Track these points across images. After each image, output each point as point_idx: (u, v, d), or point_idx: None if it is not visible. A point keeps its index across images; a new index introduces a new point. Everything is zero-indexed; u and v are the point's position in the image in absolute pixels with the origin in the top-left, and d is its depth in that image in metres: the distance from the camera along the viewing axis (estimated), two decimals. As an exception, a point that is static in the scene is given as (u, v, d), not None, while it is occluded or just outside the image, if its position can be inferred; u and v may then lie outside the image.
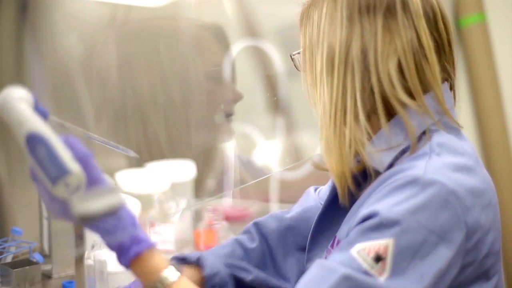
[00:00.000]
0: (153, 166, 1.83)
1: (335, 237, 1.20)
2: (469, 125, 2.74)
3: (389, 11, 1.13)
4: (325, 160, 1.17)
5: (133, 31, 1.89)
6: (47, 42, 1.82)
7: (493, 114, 2.74)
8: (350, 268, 1.02)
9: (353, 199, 1.18)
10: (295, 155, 2.13)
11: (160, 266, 1.08)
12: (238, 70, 1.95)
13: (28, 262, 1.53)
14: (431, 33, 1.14)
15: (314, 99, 1.18)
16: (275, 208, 2.02)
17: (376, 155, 1.13)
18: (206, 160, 1.95)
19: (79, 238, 1.69)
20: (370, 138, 1.13)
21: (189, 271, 1.28)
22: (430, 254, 1.03)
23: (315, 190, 1.46)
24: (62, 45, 1.81)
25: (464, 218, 1.06)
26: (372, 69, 1.12)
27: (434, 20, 1.15)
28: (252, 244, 1.35)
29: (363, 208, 1.09)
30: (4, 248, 1.61)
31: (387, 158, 1.13)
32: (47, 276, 1.68)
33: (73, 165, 1.02)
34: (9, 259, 1.62)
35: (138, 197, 1.67)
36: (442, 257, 1.04)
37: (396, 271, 1.02)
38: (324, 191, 1.42)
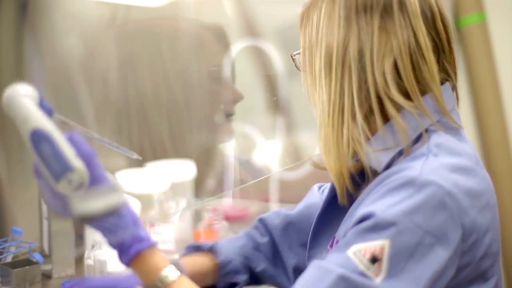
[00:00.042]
0: (153, 166, 1.83)
1: (334, 237, 1.20)
2: (469, 125, 2.74)
3: (386, 11, 1.13)
4: (323, 160, 1.17)
5: (133, 31, 1.89)
6: (47, 42, 1.82)
7: (493, 114, 2.73)
8: (346, 269, 1.02)
9: (352, 199, 1.18)
10: (295, 155, 2.13)
11: (161, 265, 1.09)
12: (238, 70, 1.95)
13: (28, 262, 1.53)
14: (429, 33, 1.14)
15: (314, 99, 1.18)
16: (275, 208, 2.01)
17: (374, 155, 1.13)
18: (206, 160, 1.95)
19: (79, 238, 1.69)
20: (368, 138, 1.13)
21: (202, 258, 1.31)
22: (426, 255, 1.03)
23: (319, 188, 1.46)
24: (62, 45, 1.81)
25: (461, 219, 1.05)
26: (368, 69, 1.12)
27: (432, 20, 1.15)
28: (263, 239, 1.37)
29: (360, 208, 1.08)
30: (4, 248, 1.61)
31: (385, 158, 1.13)
32: (47, 276, 1.68)
33: (76, 162, 1.02)
34: (9, 259, 1.62)
35: (138, 197, 1.67)
36: (438, 258, 1.04)
37: (392, 272, 1.02)
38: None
